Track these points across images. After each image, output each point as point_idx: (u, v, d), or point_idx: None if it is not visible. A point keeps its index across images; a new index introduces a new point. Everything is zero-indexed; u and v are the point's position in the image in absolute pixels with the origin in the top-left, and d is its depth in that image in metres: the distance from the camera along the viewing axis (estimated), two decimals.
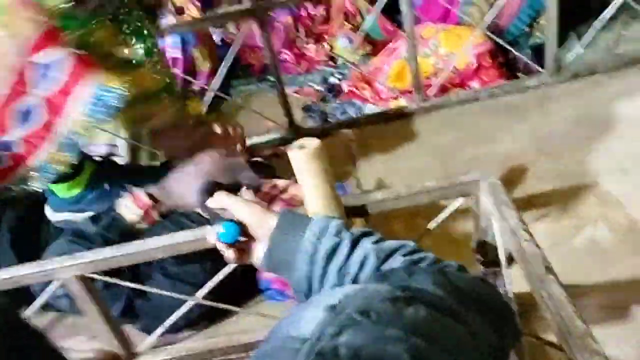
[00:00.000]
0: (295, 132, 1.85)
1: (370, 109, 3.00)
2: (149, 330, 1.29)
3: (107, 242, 1.16)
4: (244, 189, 1.12)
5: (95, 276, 1.08)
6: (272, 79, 3.67)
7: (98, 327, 1.16)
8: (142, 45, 1.35)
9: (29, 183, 1.20)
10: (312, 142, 0.97)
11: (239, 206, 0.83)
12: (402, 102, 2.81)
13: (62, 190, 1.34)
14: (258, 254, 0.81)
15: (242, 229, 0.82)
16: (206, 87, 3.45)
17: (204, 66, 3.45)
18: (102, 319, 1.14)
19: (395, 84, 2.84)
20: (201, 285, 1.17)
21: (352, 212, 1.05)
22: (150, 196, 1.25)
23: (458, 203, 1.05)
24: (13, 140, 1.15)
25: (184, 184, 1.19)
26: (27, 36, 1.06)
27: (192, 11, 4.24)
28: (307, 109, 2.95)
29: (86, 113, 1.10)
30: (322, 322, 0.49)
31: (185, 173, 1.26)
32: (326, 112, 3.12)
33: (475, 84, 2.80)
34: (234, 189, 1.21)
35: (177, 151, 1.41)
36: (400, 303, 0.51)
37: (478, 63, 2.78)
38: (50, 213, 1.41)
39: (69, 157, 1.18)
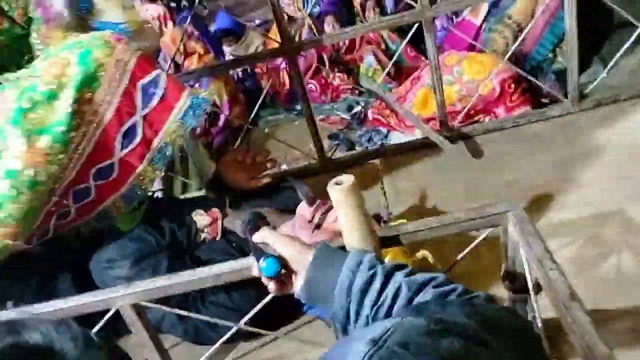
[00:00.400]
0: (325, 161, 1.93)
1: (396, 136, 3.07)
2: (190, 336, 1.42)
3: (174, 239, 1.35)
4: (295, 217, 1.23)
5: (149, 304, 1.17)
6: (298, 107, 3.79)
7: (148, 351, 1.24)
8: None
9: (107, 216, 1.31)
10: (348, 179, 1.05)
11: (280, 242, 0.91)
12: None
13: (125, 224, 1.43)
14: (297, 287, 0.89)
15: (283, 263, 0.90)
16: (229, 120, 3.57)
17: (222, 99, 3.57)
18: (152, 344, 1.23)
19: (420, 111, 2.91)
20: (240, 308, 1.26)
21: (386, 243, 1.12)
22: (221, 212, 1.41)
23: (486, 233, 1.11)
24: (114, 162, 1.26)
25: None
26: (129, 63, 1.20)
27: (197, 48, 4.37)
28: (333, 137, 3.04)
29: (179, 121, 1.22)
30: (366, 355, 0.54)
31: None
32: (352, 140, 3.21)
33: (499, 110, 2.86)
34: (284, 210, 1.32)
35: (239, 184, 1.54)
36: (436, 336, 0.57)
37: (501, 89, 2.84)
38: None
39: (158, 170, 1.29)
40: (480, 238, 1.11)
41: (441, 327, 0.58)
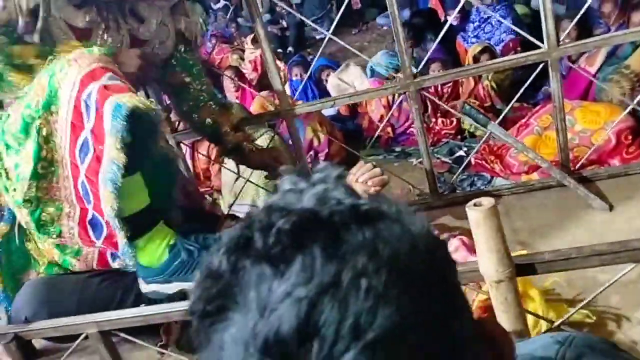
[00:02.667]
0: (437, 197, 1.93)
1: (499, 182, 3.02)
2: None
3: None
4: None
5: None
6: (397, 149, 3.83)
7: None
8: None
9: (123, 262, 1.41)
10: (488, 201, 1.05)
11: None
12: (535, 176, 2.81)
13: (144, 258, 1.44)
14: None
15: None
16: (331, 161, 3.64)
17: (320, 138, 3.67)
18: None
19: (527, 158, 2.85)
20: None
21: (520, 270, 1.10)
22: None
23: (629, 268, 1.07)
24: (83, 179, 1.34)
25: None
26: (76, 80, 1.28)
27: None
28: None
29: (111, 130, 1.24)
30: (561, 348, 0.59)
31: None
32: (453, 184, 3.18)
33: (614, 162, 2.75)
34: None
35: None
36: (615, 349, 0.61)
37: (617, 140, 2.74)
38: (141, 285, 1.50)
39: (113, 194, 1.28)
40: (625, 271, 1.07)
41: (615, 345, 0.62)
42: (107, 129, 1.24)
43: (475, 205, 1.06)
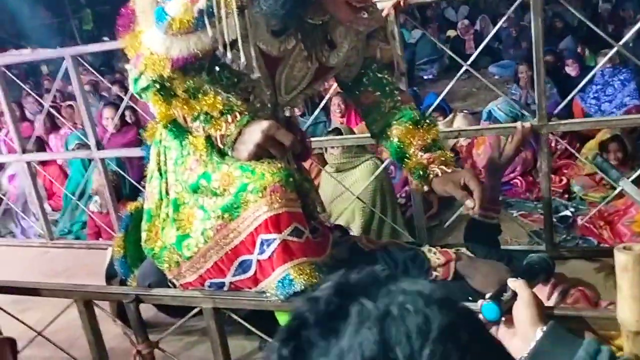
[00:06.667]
0: (553, 247, 1.87)
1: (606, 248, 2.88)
2: None
3: (405, 270, 1.42)
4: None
5: None
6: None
7: None
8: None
9: None
10: (639, 247, 1.01)
11: (526, 299, 0.97)
12: None
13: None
14: (513, 346, 0.93)
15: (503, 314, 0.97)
16: None
17: None
18: None
19: None
20: None
21: None
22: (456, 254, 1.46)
23: None
24: (225, 282, 1.37)
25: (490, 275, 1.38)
26: (261, 213, 1.27)
27: None
28: (535, 233, 2.93)
29: (273, 292, 1.29)
30: None
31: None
32: (555, 242, 3.06)
33: None
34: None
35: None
36: None
37: None
38: None
39: None
40: None
41: None
42: (269, 284, 1.28)
43: (625, 248, 1.02)
